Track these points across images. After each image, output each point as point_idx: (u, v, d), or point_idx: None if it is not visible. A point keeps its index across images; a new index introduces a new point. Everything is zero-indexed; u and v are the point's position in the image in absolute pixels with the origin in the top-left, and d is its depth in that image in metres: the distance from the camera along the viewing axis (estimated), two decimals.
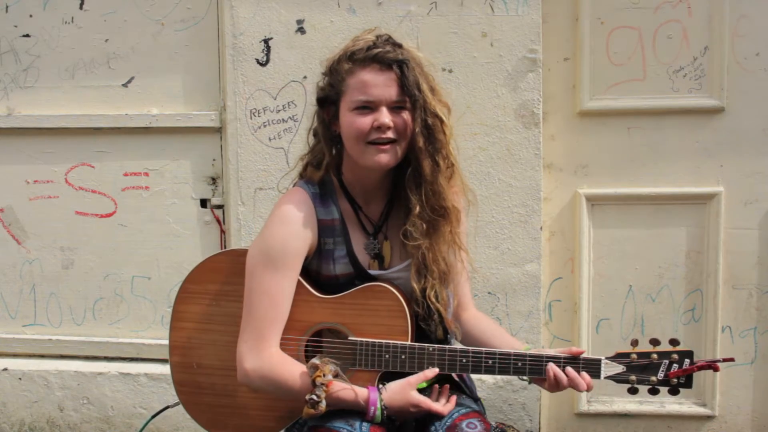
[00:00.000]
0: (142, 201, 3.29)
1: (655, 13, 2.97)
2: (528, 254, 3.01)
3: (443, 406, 1.87)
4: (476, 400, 2.02)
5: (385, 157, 1.86)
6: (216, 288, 2.00)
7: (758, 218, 3.03)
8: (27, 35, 3.28)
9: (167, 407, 2.35)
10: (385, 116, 1.83)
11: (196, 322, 2.02)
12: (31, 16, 3.27)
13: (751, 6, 2.94)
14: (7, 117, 3.30)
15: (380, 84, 1.83)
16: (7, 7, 3.28)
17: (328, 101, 1.93)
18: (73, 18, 3.26)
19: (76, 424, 3.31)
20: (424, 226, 1.90)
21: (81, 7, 3.25)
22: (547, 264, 3.11)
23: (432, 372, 1.85)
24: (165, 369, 3.22)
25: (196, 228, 3.28)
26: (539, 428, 3.12)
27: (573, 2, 3.00)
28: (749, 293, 3.06)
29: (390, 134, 1.85)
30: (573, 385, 1.82)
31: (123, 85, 3.26)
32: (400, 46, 1.88)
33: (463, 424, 1.82)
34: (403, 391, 1.83)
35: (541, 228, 3.02)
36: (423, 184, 1.88)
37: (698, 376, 3.03)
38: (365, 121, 1.84)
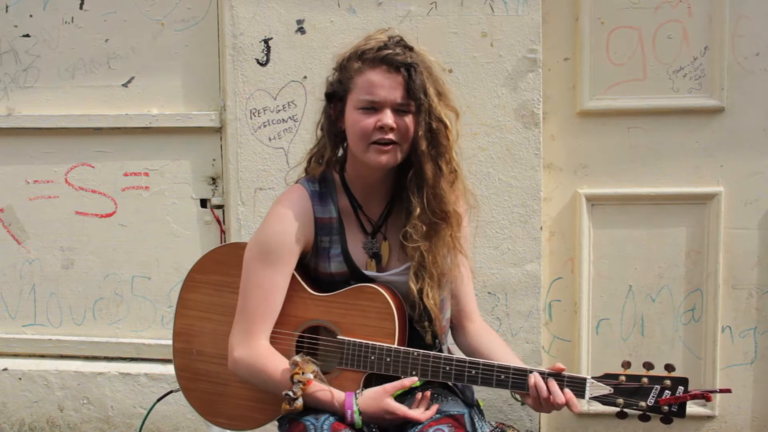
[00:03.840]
0: (142, 201, 3.29)
1: (655, 13, 2.97)
2: (528, 254, 3.01)
3: (421, 413, 1.86)
4: (470, 405, 2.00)
5: (385, 158, 1.88)
6: (218, 279, 2.06)
7: (758, 218, 3.02)
8: (27, 35, 3.28)
9: (170, 392, 2.40)
10: (388, 117, 1.85)
11: (198, 310, 2.08)
12: (31, 16, 3.27)
13: (751, 6, 2.93)
14: (7, 117, 3.30)
15: (387, 86, 1.85)
16: (7, 7, 3.28)
17: (335, 97, 1.95)
18: (73, 18, 3.26)
19: (76, 424, 3.31)
20: (424, 228, 1.91)
21: (81, 7, 3.25)
22: (547, 264, 3.11)
23: (410, 381, 1.85)
24: (165, 369, 3.22)
25: (196, 228, 3.28)
26: (539, 428, 3.12)
27: (573, 2, 3.00)
28: (749, 293, 3.06)
29: (392, 136, 1.87)
30: (553, 399, 1.79)
31: (123, 85, 3.26)
32: (411, 48, 1.90)
33: (431, 431, 1.81)
34: (378, 398, 1.84)
35: (541, 228, 3.02)
36: (425, 188, 1.90)
37: (699, 376, 3.08)
38: (369, 121, 1.86)
